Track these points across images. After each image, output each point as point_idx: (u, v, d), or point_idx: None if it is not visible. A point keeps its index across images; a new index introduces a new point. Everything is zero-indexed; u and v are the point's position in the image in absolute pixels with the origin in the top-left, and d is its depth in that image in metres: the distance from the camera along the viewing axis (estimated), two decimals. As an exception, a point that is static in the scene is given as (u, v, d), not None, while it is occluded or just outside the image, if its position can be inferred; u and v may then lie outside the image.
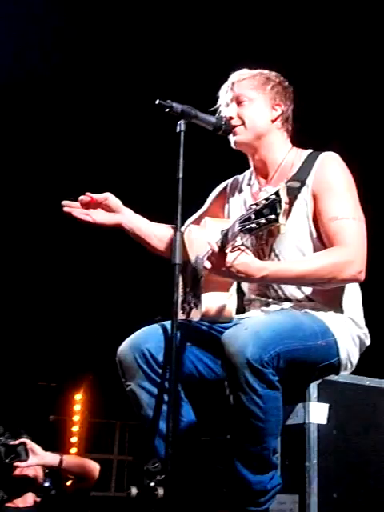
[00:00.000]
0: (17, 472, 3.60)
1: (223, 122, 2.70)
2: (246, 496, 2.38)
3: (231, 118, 2.74)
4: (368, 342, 2.67)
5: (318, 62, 5.23)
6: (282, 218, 2.13)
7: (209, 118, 2.69)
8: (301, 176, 2.62)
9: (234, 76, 2.80)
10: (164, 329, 2.63)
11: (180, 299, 2.86)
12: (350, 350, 2.59)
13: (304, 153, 2.75)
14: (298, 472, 2.42)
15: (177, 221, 2.49)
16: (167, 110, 2.58)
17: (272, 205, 2.14)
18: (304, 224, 2.63)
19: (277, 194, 2.14)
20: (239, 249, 2.38)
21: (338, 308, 2.64)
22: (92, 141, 5.98)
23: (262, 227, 2.19)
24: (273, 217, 2.14)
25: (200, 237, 2.78)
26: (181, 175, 2.51)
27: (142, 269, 6.21)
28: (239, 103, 2.75)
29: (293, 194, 2.45)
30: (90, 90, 5.70)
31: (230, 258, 2.38)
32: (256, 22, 5.14)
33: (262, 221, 2.17)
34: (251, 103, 2.75)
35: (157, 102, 2.58)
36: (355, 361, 2.63)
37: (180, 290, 2.89)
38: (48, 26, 5.30)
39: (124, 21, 5.33)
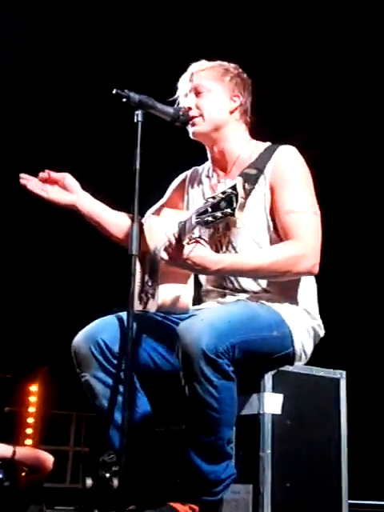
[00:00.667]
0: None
1: (181, 113, 2.70)
2: (200, 486, 2.40)
3: (189, 108, 2.74)
4: (322, 333, 2.71)
5: (277, 55, 5.24)
6: (238, 212, 2.15)
7: (167, 108, 2.68)
8: (258, 165, 2.64)
9: (193, 67, 2.81)
10: (119, 320, 2.63)
11: (137, 290, 2.86)
12: (304, 341, 2.62)
13: (262, 145, 2.77)
14: (252, 462, 2.45)
15: (134, 212, 2.48)
16: (124, 99, 2.57)
17: (229, 198, 2.16)
18: (261, 217, 2.65)
19: (234, 187, 2.16)
20: (196, 241, 2.39)
21: (293, 299, 2.66)
22: (49, 131, 5.92)
23: (218, 220, 2.21)
24: (229, 210, 2.16)
25: (159, 227, 2.78)
26: (138, 166, 2.51)
27: (99, 259, 6.18)
28: (197, 94, 2.76)
29: (249, 182, 2.47)
30: (47, 79, 5.63)
31: (187, 249, 2.39)
32: (214, 14, 5.13)
33: (218, 214, 2.18)
34: (209, 94, 2.75)
35: (114, 91, 2.57)
36: (309, 351, 2.66)
37: (138, 281, 2.89)
38: None
39: (82, 10, 5.27)
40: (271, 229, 2.65)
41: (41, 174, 2.82)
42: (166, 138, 3.73)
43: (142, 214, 2.68)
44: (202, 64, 2.81)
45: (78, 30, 5.37)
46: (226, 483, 2.43)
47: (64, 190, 2.84)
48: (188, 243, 2.38)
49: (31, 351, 7.12)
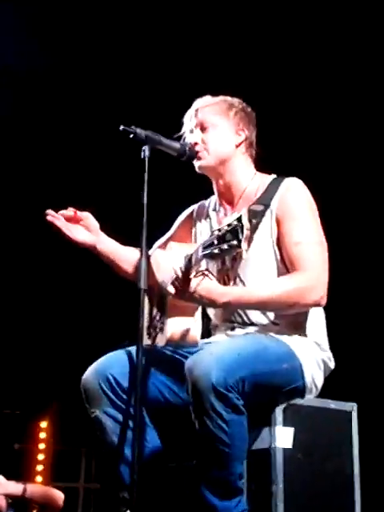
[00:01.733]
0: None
1: (187, 148, 2.73)
2: None
3: (196, 143, 2.76)
4: (332, 365, 2.69)
5: (279, 90, 5.30)
6: (243, 244, 2.16)
7: (173, 143, 2.71)
8: (264, 200, 2.65)
9: (198, 102, 2.84)
10: (129, 354, 2.63)
11: (146, 324, 2.87)
12: (314, 374, 2.61)
13: (268, 178, 2.79)
14: (264, 496, 2.43)
15: (141, 246, 2.50)
16: (131, 135, 2.60)
17: (234, 230, 2.18)
18: (269, 249, 2.66)
19: (239, 219, 2.18)
20: (203, 274, 2.40)
21: (303, 332, 2.66)
22: (56, 167, 5.97)
23: (224, 252, 2.22)
24: (235, 242, 2.17)
25: (166, 261, 2.79)
26: (145, 200, 2.53)
27: (107, 294, 6.18)
28: (203, 129, 2.78)
29: (256, 217, 2.49)
30: (55, 114, 5.70)
31: (194, 283, 2.40)
32: (218, 51, 5.20)
33: (225, 246, 2.19)
34: (215, 129, 2.77)
35: (121, 128, 2.60)
36: (320, 384, 2.65)
37: (146, 315, 2.89)
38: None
39: (87, 47, 5.35)
40: (279, 260, 2.66)
41: (65, 212, 2.81)
42: (173, 173, 3.75)
43: (149, 247, 2.69)
44: (207, 100, 2.84)
45: (83, 64, 5.44)
46: None
47: (86, 229, 2.84)
48: (195, 276, 2.39)
49: (40, 387, 7.10)
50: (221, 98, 2.84)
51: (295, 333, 2.64)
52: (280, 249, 2.65)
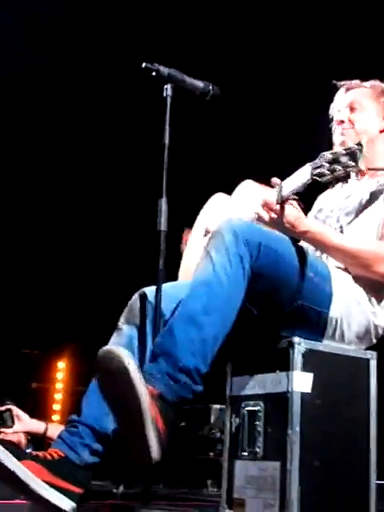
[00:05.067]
0: (1, 437, 3.60)
1: (211, 87, 2.68)
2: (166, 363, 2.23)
3: (342, 121, 2.84)
4: (381, 332, 2.67)
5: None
6: (361, 164, 2.15)
7: (196, 82, 2.68)
8: None
9: (351, 83, 2.93)
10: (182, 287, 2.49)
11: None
12: (345, 316, 2.56)
13: None
14: (280, 440, 2.43)
15: (162, 187, 2.47)
16: (154, 73, 2.56)
17: (352, 153, 2.17)
18: (374, 222, 2.67)
19: (359, 143, 2.17)
20: (291, 204, 2.43)
21: (363, 284, 2.62)
22: (77, 108, 5.91)
23: (335, 174, 2.21)
24: (352, 163, 2.16)
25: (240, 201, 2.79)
26: (167, 141, 2.50)
27: (129, 236, 6.18)
28: (352, 109, 2.86)
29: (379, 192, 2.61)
30: (76, 53, 5.63)
31: (286, 209, 2.44)
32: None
33: (338, 167, 2.18)
34: (363, 110, 2.85)
35: (143, 65, 2.56)
36: (351, 335, 2.60)
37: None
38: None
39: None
40: (380, 233, 2.66)
41: None
42: (196, 114, 3.69)
43: (170, 188, 2.63)
44: (361, 83, 2.92)
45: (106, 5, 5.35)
46: (195, 379, 2.24)
47: None
48: (286, 204, 2.43)
49: (59, 327, 7.17)
50: (373, 82, 2.93)
51: (357, 281, 2.61)
52: None
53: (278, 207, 2.43)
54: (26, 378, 7.47)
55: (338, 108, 2.91)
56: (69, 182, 6.35)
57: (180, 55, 3.76)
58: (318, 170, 2.23)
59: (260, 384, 2.51)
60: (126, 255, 6.56)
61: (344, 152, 2.18)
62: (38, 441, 3.84)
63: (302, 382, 2.44)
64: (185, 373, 2.21)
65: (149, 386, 2.12)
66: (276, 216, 2.44)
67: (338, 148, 2.26)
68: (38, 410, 7.14)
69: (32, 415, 3.80)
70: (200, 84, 2.66)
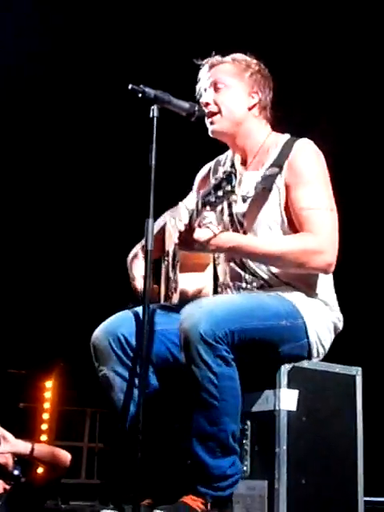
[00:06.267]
0: (-15, 459, 3.58)
1: (196, 109, 2.69)
2: (205, 480, 2.38)
3: (208, 103, 2.73)
4: (341, 326, 2.68)
5: (300, 48, 5.22)
6: (237, 189, 2.21)
7: (182, 103, 2.67)
8: (278, 162, 2.63)
9: (213, 60, 2.79)
10: (137, 314, 2.63)
11: (163, 289, 2.86)
12: (320, 333, 2.60)
13: (281, 138, 2.75)
14: (267, 458, 2.44)
15: (149, 207, 2.48)
16: (140, 95, 2.56)
17: (228, 177, 2.20)
18: (276, 212, 2.64)
19: (232, 165, 2.21)
20: (207, 227, 2.44)
21: (312, 291, 2.64)
22: (64, 127, 5.93)
23: (220, 199, 2.25)
24: (228, 188, 2.20)
25: (176, 224, 2.79)
26: (154, 162, 2.51)
27: (115, 254, 6.18)
28: (216, 89, 2.75)
29: (271, 181, 2.47)
30: (63, 75, 5.65)
31: (198, 232, 2.42)
32: (235, 7, 5.11)
33: (219, 193, 2.23)
34: (228, 89, 2.74)
35: (129, 86, 2.57)
36: (327, 345, 2.64)
37: (162, 281, 2.89)
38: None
39: (98, 6, 5.29)
40: (286, 225, 2.64)
41: None
42: (182, 134, 3.72)
43: (157, 208, 2.67)
44: (223, 58, 2.79)
45: (91, 23, 5.38)
46: (233, 480, 2.42)
47: None
48: (200, 226, 2.42)
49: (46, 347, 7.14)
50: (238, 57, 2.80)
51: (303, 291, 2.63)
52: (288, 213, 2.63)
53: (191, 232, 2.42)
54: (13, 398, 7.42)
55: (203, 87, 2.78)
56: (58, 202, 6.36)
57: (167, 76, 3.79)
58: (208, 198, 2.27)
59: (248, 402, 2.52)
60: (112, 275, 6.56)
61: (223, 176, 2.21)
62: (25, 461, 3.82)
63: (287, 399, 2.46)
64: (223, 479, 2.39)
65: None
66: (192, 242, 2.43)
67: (219, 172, 2.23)
68: (26, 430, 7.09)
69: (19, 435, 3.77)
70: (186, 105, 2.66)
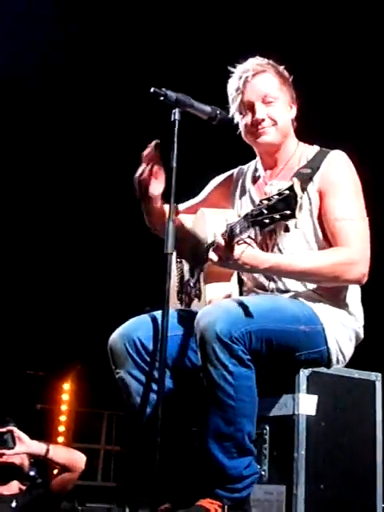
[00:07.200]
0: (2, 459, 3.59)
1: (218, 112, 2.68)
2: (221, 481, 2.37)
3: (263, 119, 2.68)
4: (362, 335, 2.67)
5: (321, 58, 5.21)
6: (298, 212, 2.11)
7: (204, 107, 2.67)
8: (310, 171, 2.61)
9: (254, 67, 2.71)
10: (154, 318, 2.64)
11: (176, 289, 2.86)
12: (340, 342, 2.58)
13: (311, 149, 2.75)
14: (285, 463, 2.43)
15: (170, 210, 2.48)
16: (162, 98, 2.56)
17: (287, 200, 2.12)
18: (307, 220, 2.62)
19: (291, 188, 2.12)
20: (245, 242, 2.36)
21: (335, 300, 2.62)
22: (86, 129, 5.96)
23: (276, 222, 2.16)
24: (288, 212, 2.11)
25: (198, 226, 2.77)
26: (175, 164, 2.51)
27: (133, 257, 6.20)
28: (266, 103, 2.69)
29: (302, 179, 2.43)
30: (84, 77, 5.68)
31: (238, 250, 2.37)
32: (255, 13, 5.11)
33: (277, 216, 2.14)
34: (277, 102, 2.70)
35: (151, 90, 2.57)
36: (348, 354, 2.62)
37: (176, 280, 2.89)
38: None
39: (120, 9, 5.30)
40: (319, 235, 2.63)
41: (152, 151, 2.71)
42: (203, 137, 3.72)
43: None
44: (262, 67, 2.71)
45: (116, 30, 5.40)
46: (250, 481, 2.41)
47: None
48: (238, 243, 2.36)
49: (64, 349, 7.17)
50: (277, 67, 2.74)
51: (329, 300, 2.61)
52: (321, 223, 2.62)
53: (232, 250, 2.36)
54: (30, 400, 7.45)
55: (250, 98, 2.68)
56: (78, 204, 6.38)
57: (189, 79, 3.79)
58: (258, 219, 2.18)
59: (266, 407, 2.51)
60: (131, 277, 6.57)
61: (279, 197, 2.13)
62: (41, 462, 3.83)
63: (307, 404, 2.45)
64: (239, 481, 2.38)
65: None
66: (229, 259, 2.38)
67: (273, 193, 2.14)
68: (43, 431, 7.12)
69: (36, 437, 3.79)
70: (207, 108, 2.66)
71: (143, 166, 2.74)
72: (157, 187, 2.75)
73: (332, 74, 5.24)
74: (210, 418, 2.40)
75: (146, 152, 2.73)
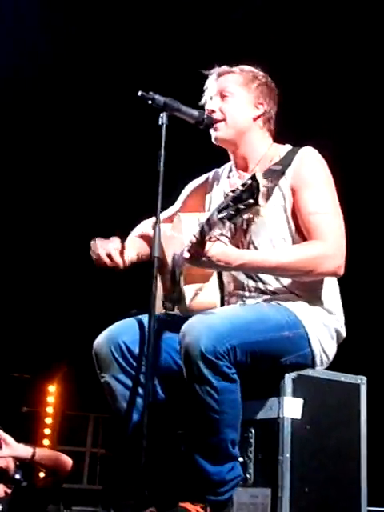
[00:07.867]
0: (-14, 463, 3.57)
1: (205, 116, 2.70)
2: (205, 486, 2.40)
3: (213, 111, 2.74)
4: (344, 333, 2.68)
5: (302, 60, 5.23)
6: (261, 200, 2.12)
7: (191, 111, 2.68)
8: (282, 168, 2.63)
9: (221, 69, 2.80)
10: (140, 322, 2.64)
11: (160, 296, 2.86)
12: (323, 342, 2.60)
13: (283, 148, 2.77)
14: (270, 466, 2.44)
15: (157, 214, 2.49)
16: (150, 102, 2.57)
17: (249, 189, 2.14)
18: (281, 216, 2.64)
19: (253, 178, 2.14)
20: (217, 239, 2.38)
21: (315, 299, 2.64)
22: (73, 132, 5.95)
23: (241, 213, 2.18)
24: (251, 201, 2.13)
25: (176, 235, 2.79)
26: (162, 168, 2.51)
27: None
28: (222, 97, 2.75)
29: (272, 176, 2.46)
30: (72, 81, 5.67)
31: (210, 248, 2.38)
32: (245, 20, 5.13)
33: (241, 206, 2.16)
34: (233, 98, 2.75)
35: (139, 93, 2.58)
36: (331, 354, 2.64)
37: (160, 289, 2.89)
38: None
39: (108, 13, 5.30)
40: (293, 229, 2.64)
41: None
42: (190, 141, 3.73)
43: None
44: (230, 68, 2.80)
45: (101, 30, 5.40)
46: (232, 484, 2.43)
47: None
48: (210, 241, 2.37)
49: (50, 352, 7.15)
50: (245, 68, 2.81)
51: (307, 300, 2.62)
52: (295, 218, 2.64)
53: (203, 247, 2.37)
54: (16, 402, 7.42)
55: (209, 95, 2.78)
56: (64, 207, 6.37)
57: (177, 83, 3.80)
58: (224, 213, 2.20)
59: (251, 410, 2.52)
60: (117, 280, 6.56)
61: (242, 188, 2.15)
62: (27, 466, 3.82)
63: (292, 407, 2.46)
64: (222, 485, 2.41)
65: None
66: (201, 256, 2.39)
67: (237, 186, 2.15)
68: (28, 434, 7.10)
69: (22, 439, 3.77)
70: (195, 113, 2.67)
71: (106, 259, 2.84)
72: (130, 255, 2.80)
73: (305, 73, 5.27)
74: (193, 427, 2.42)
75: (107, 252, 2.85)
